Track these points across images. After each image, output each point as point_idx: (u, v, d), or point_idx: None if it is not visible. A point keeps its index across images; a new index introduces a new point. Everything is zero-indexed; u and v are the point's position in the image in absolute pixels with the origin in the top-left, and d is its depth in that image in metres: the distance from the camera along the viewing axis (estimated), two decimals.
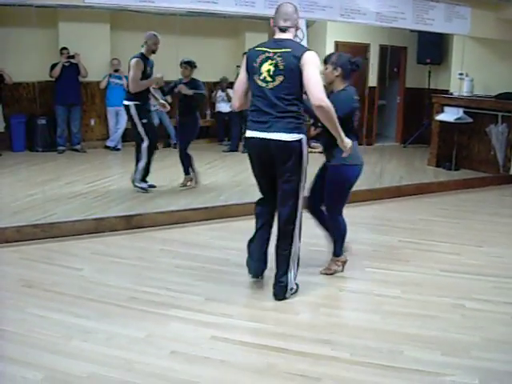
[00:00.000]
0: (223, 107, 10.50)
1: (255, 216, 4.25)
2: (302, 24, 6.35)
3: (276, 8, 3.99)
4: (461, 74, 8.88)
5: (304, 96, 3.88)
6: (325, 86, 4.00)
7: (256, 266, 4.21)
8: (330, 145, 4.35)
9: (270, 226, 4.22)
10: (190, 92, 6.67)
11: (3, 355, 3.17)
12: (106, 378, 3.00)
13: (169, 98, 7.92)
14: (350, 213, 6.38)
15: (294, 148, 3.83)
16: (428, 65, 10.94)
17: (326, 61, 4.38)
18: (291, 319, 3.73)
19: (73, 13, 8.91)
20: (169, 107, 7.01)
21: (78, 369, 3.06)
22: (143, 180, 6.72)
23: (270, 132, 3.79)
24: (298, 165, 3.87)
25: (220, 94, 10.82)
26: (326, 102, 3.70)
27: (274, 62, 3.77)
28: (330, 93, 4.30)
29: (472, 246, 5.36)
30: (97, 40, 9.51)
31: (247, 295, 4.11)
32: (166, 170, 7.05)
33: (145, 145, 6.53)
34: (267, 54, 3.81)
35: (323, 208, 4.53)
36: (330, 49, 10.58)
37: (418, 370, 3.10)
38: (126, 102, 6.57)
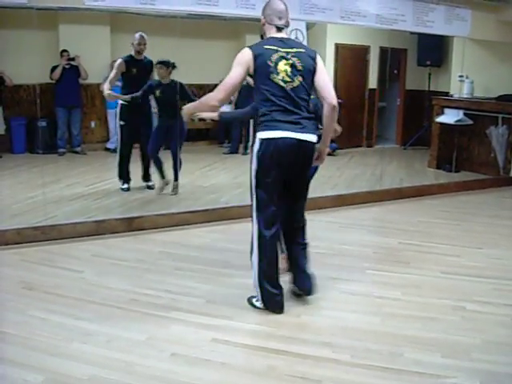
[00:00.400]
0: (223, 109, 10.49)
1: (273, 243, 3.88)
2: (302, 26, 6.40)
3: (267, 4, 3.89)
4: (461, 76, 8.89)
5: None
6: None
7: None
8: None
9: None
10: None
11: (4, 358, 3.17)
12: (106, 380, 2.99)
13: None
14: (350, 215, 6.44)
15: (314, 149, 3.88)
16: (428, 67, 10.95)
17: None
18: (292, 321, 3.73)
19: (73, 15, 8.92)
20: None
21: (79, 371, 3.06)
22: (120, 178, 6.96)
23: (304, 133, 3.70)
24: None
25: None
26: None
27: (289, 62, 3.71)
28: None
29: (472, 247, 5.36)
30: (97, 42, 9.52)
31: (247, 297, 4.10)
32: (166, 172, 7.04)
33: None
34: (280, 54, 3.72)
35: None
36: (330, 51, 10.61)
37: (419, 372, 3.10)
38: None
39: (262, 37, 4.01)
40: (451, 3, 7.37)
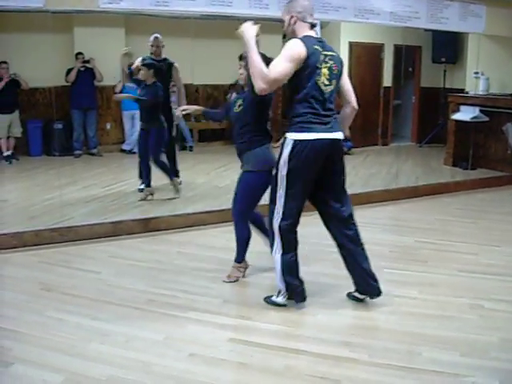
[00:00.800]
0: None
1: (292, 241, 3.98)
2: (316, 25, 6.37)
3: (295, 2, 3.79)
4: (476, 73, 8.84)
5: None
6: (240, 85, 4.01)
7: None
8: (243, 150, 4.33)
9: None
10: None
11: (23, 358, 3.20)
12: (124, 380, 3.01)
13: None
14: (366, 214, 6.41)
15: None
16: (443, 64, 10.89)
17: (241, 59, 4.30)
18: (309, 321, 3.73)
19: (88, 18, 8.98)
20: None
21: (97, 371, 3.08)
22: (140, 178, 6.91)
23: (334, 132, 3.76)
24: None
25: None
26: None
27: (328, 65, 3.69)
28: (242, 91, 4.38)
29: (489, 245, 5.32)
30: (112, 44, 9.55)
31: (264, 297, 4.10)
32: (183, 172, 7.07)
33: None
34: (323, 56, 3.69)
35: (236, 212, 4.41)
36: (344, 50, 10.57)
37: (437, 371, 3.09)
38: None
39: (284, 36, 3.90)
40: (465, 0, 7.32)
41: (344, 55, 10.59)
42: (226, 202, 6.28)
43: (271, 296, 3.97)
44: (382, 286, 4.23)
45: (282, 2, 6.05)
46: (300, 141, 3.69)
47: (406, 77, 10.99)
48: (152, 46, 6.67)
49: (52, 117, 9.15)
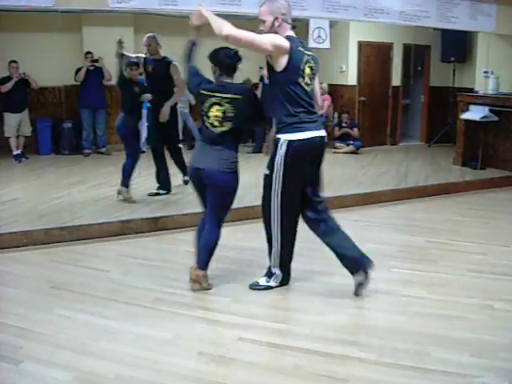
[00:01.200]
0: None
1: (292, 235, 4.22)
2: (325, 24, 6.38)
3: (278, 2, 3.87)
4: (486, 72, 8.78)
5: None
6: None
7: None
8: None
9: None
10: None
11: (33, 356, 3.22)
12: (133, 378, 3.02)
13: None
14: (375, 213, 6.41)
15: None
16: (452, 63, 10.83)
17: None
18: (317, 320, 3.72)
19: (97, 17, 8.99)
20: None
21: (106, 370, 3.09)
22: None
23: (321, 129, 3.92)
24: None
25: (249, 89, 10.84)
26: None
27: (310, 65, 3.82)
28: None
29: (499, 245, 5.30)
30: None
31: (273, 296, 4.11)
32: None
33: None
34: (306, 57, 3.83)
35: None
36: (353, 49, 10.56)
37: (446, 371, 3.07)
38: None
39: None
40: None
41: (353, 54, 10.59)
42: (235, 201, 6.29)
43: (258, 282, 4.18)
44: (392, 286, 4.24)
45: (291, 1, 6.05)
46: (295, 141, 3.79)
47: (415, 76, 10.96)
48: (144, 45, 6.64)
49: (61, 116, 9.18)
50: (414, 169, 8.36)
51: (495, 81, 8.66)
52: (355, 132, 10.24)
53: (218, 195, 4.07)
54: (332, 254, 4.88)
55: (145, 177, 7.01)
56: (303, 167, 3.88)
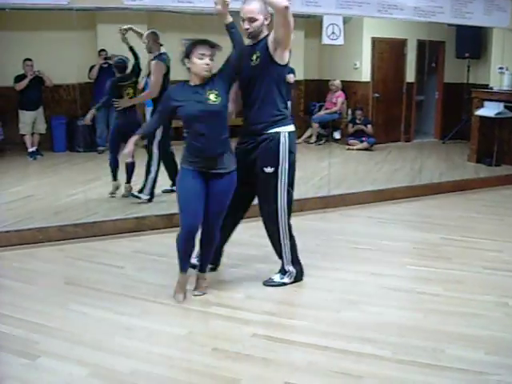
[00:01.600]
0: None
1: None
2: (339, 21, 6.36)
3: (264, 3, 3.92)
4: (501, 68, 8.72)
5: None
6: None
7: None
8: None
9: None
10: None
11: (49, 351, 3.24)
12: (148, 374, 3.04)
13: None
14: (389, 210, 6.39)
15: None
16: (467, 59, 10.76)
17: None
18: (332, 317, 3.72)
19: (111, 15, 9.00)
20: None
21: (122, 365, 3.11)
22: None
23: None
24: None
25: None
26: None
27: None
28: None
29: None
30: (134, 41, 9.60)
31: (288, 293, 4.11)
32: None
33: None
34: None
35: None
36: (367, 45, 10.52)
37: (462, 368, 3.06)
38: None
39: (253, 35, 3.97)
40: None
41: (367, 51, 10.56)
42: None
43: (273, 278, 4.19)
44: (407, 283, 4.23)
45: None
46: (292, 132, 3.96)
47: (430, 72, 10.89)
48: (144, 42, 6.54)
49: (76, 113, 9.21)
50: (428, 166, 8.32)
51: (510, 77, 8.60)
52: (369, 129, 10.20)
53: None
54: (346, 251, 4.90)
55: (160, 172, 7.00)
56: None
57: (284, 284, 4.18)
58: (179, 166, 3.97)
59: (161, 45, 6.46)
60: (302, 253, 4.87)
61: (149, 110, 9.77)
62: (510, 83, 8.61)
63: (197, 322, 3.66)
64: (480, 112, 8.69)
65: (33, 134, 9.23)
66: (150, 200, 6.23)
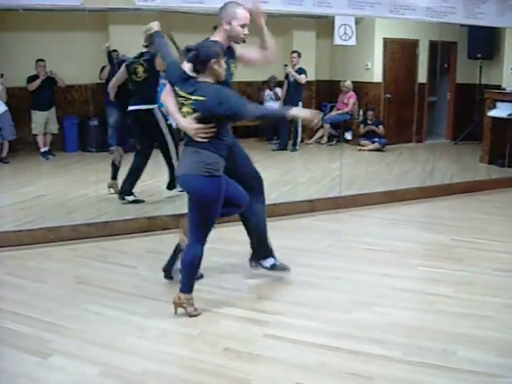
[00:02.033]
0: (272, 106, 10.52)
1: None
2: (351, 21, 6.36)
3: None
4: None
5: None
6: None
7: None
8: None
9: None
10: None
11: (61, 350, 3.27)
12: (160, 374, 3.06)
13: None
14: (400, 211, 6.38)
15: None
16: (479, 60, 10.72)
17: None
18: (343, 318, 3.72)
19: (122, 15, 9.04)
20: None
21: (133, 364, 3.13)
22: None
23: None
24: None
25: (268, 92, 10.88)
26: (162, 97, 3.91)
27: None
28: None
29: None
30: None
31: (299, 293, 4.11)
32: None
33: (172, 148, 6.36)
34: None
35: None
36: (378, 46, 10.51)
37: (473, 370, 3.05)
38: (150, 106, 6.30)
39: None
40: None
41: (378, 51, 10.54)
42: None
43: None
44: (418, 284, 4.23)
45: None
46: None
47: (442, 73, 10.84)
48: None
49: (88, 114, 9.28)
50: (439, 167, 8.29)
51: None
52: (380, 129, 10.18)
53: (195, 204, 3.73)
54: (358, 252, 4.91)
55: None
56: None
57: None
58: (206, 175, 3.57)
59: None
60: (313, 253, 4.92)
61: (162, 110, 9.84)
62: None
63: (208, 322, 3.66)
64: (492, 113, 8.66)
65: (45, 134, 9.31)
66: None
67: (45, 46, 9.28)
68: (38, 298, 4.00)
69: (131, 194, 6.27)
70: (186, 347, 3.34)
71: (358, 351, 3.27)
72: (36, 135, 9.23)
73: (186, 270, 3.70)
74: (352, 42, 6.37)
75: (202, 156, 3.57)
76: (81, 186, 7.02)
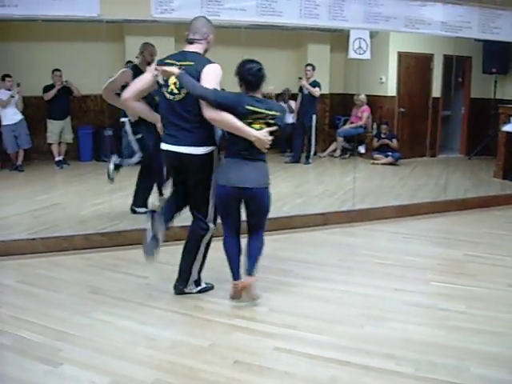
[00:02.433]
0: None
1: None
2: (366, 35, 6.36)
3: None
4: None
5: None
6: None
7: None
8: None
9: None
10: None
11: (71, 359, 3.27)
12: None
13: None
14: (413, 225, 6.35)
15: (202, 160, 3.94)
16: (494, 74, 10.70)
17: None
18: (355, 332, 3.70)
19: (139, 27, 9.13)
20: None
21: (144, 375, 3.13)
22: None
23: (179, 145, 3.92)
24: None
25: (282, 105, 10.90)
26: (213, 115, 3.76)
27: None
28: None
29: None
30: (161, 53, 9.51)
31: (311, 307, 4.09)
32: None
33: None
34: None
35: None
36: (393, 60, 10.51)
37: None
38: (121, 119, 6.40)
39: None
40: None
41: (393, 65, 10.54)
42: (273, 211, 6.29)
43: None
44: (430, 300, 4.19)
45: (332, 12, 6.08)
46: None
47: (456, 87, 10.83)
48: (151, 54, 6.41)
49: (102, 123, 9.33)
50: (453, 181, 8.26)
51: None
52: (394, 143, 10.16)
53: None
54: (370, 266, 4.89)
55: None
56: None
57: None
58: (268, 186, 4.07)
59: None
60: (325, 267, 4.90)
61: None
62: None
63: (219, 333, 3.66)
64: (507, 128, 8.62)
65: (60, 143, 9.39)
66: None
67: (61, 55, 9.39)
68: (50, 306, 4.01)
69: (144, 205, 6.26)
70: (196, 358, 3.32)
71: (369, 366, 3.24)
72: (51, 144, 9.31)
73: (258, 256, 4.11)
74: (367, 55, 6.37)
75: (265, 168, 4.00)
76: (94, 195, 7.05)
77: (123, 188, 6.74)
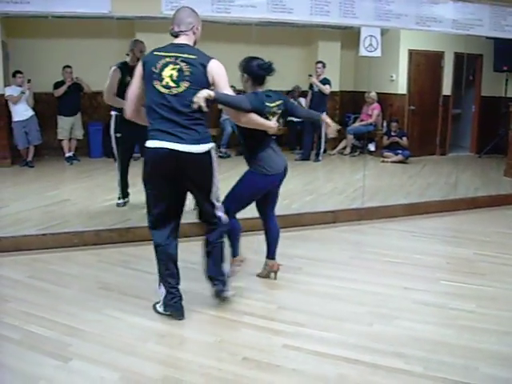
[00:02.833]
0: None
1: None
2: (376, 32, 6.34)
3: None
4: None
5: None
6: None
7: None
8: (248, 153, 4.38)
9: None
10: None
11: (81, 354, 3.29)
12: (179, 381, 3.06)
13: None
14: (423, 224, 6.33)
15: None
16: (505, 72, 10.64)
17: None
18: (364, 330, 3.70)
19: (149, 24, 9.14)
20: None
21: (153, 371, 3.15)
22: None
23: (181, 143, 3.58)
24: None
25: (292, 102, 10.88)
26: (244, 120, 3.94)
27: (176, 67, 3.61)
28: None
29: None
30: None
31: (320, 305, 4.09)
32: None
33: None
34: (167, 59, 3.64)
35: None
36: (403, 57, 10.48)
37: None
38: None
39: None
40: None
41: (403, 63, 10.51)
42: (282, 209, 6.29)
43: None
44: (440, 299, 4.18)
45: (343, 9, 6.07)
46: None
47: (467, 85, 10.78)
48: (141, 51, 6.48)
49: None
50: (463, 180, 8.23)
51: None
52: (404, 141, 10.13)
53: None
54: (380, 265, 4.89)
55: None
56: (154, 176, 3.82)
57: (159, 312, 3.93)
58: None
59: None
60: (334, 264, 4.90)
61: None
62: None
63: (228, 330, 3.67)
64: None
65: (70, 139, 9.42)
66: None
67: (72, 52, 9.40)
68: (60, 302, 4.03)
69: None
70: (205, 355, 3.33)
71: (378, 364, 3.24)
72: (61, 140, 9.34)
73: (278, 240, 4.55)
74: (377, 53, 6.35)
75: None
76: (104, 191, 7.07)
77: (133, 185, 6.75)
